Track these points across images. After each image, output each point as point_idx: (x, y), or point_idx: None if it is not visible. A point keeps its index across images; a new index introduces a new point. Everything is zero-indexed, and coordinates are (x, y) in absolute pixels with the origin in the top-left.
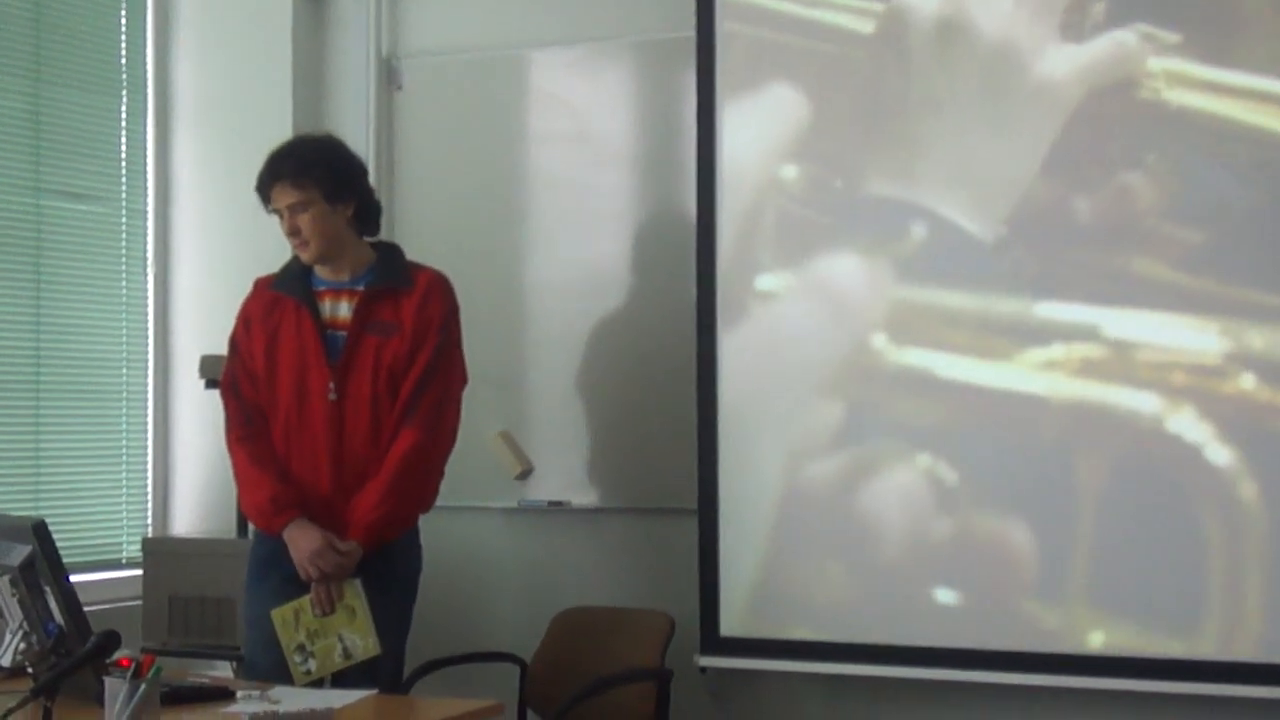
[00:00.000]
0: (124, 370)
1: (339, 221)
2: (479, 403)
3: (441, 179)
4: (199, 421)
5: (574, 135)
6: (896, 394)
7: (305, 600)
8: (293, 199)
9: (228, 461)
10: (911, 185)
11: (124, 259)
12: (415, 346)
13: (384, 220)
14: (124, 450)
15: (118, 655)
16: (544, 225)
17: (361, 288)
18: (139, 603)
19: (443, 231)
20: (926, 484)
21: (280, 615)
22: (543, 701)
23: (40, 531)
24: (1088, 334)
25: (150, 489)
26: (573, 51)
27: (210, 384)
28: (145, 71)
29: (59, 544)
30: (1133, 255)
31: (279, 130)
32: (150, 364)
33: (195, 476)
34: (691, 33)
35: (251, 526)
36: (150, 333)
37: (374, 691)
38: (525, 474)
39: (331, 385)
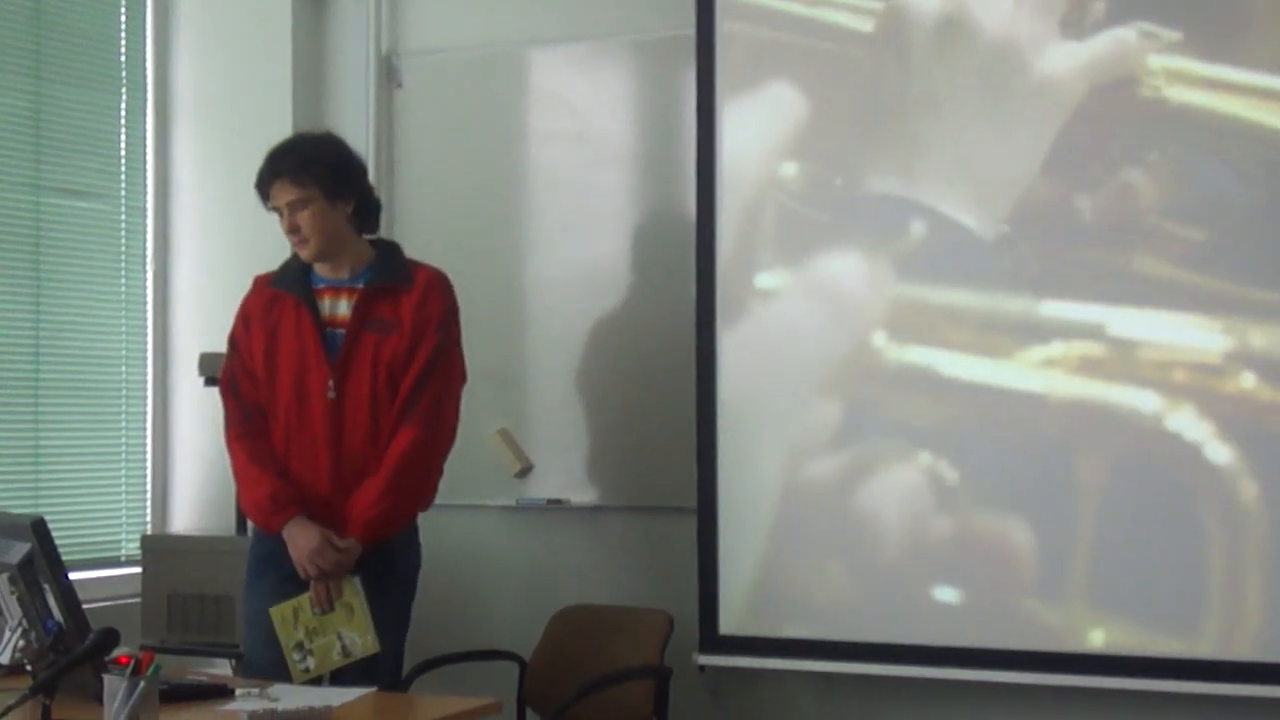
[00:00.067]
0: (123, 368)
1: (338, 219)
2: (478, 401)
3: (441, 177)
4: (198, 419)
5: (574, 133)
6: (896, 392)
7: (304, 598)
8: (292, 196)
9: (227, 459)
10: (911, 183)
11: (123, 256)
12: (414, 344)
13: (383, 218)
14: (123, 448)
15: (117, 653)
16: (543, 223)
17: (361, 285)
18: (138, 600)
19: (442, 229)
20: (926, 482)
21: (279, 613)
22: (542, 700)
23: (39, 529)
24: (1088, 332)
25: (149, 486)
26: (573, 50)
27: (209, 381)
28: (145, 69)
29: (58, 541)
30: (1134, 253)
31: (279, 128)
32: (149, 361)
33: (194, 474)
34: (691, 31)
35: (250, 524)
36: (149, 330)
37: (373, 689)
38: (524, 472)
39: (331, 383)
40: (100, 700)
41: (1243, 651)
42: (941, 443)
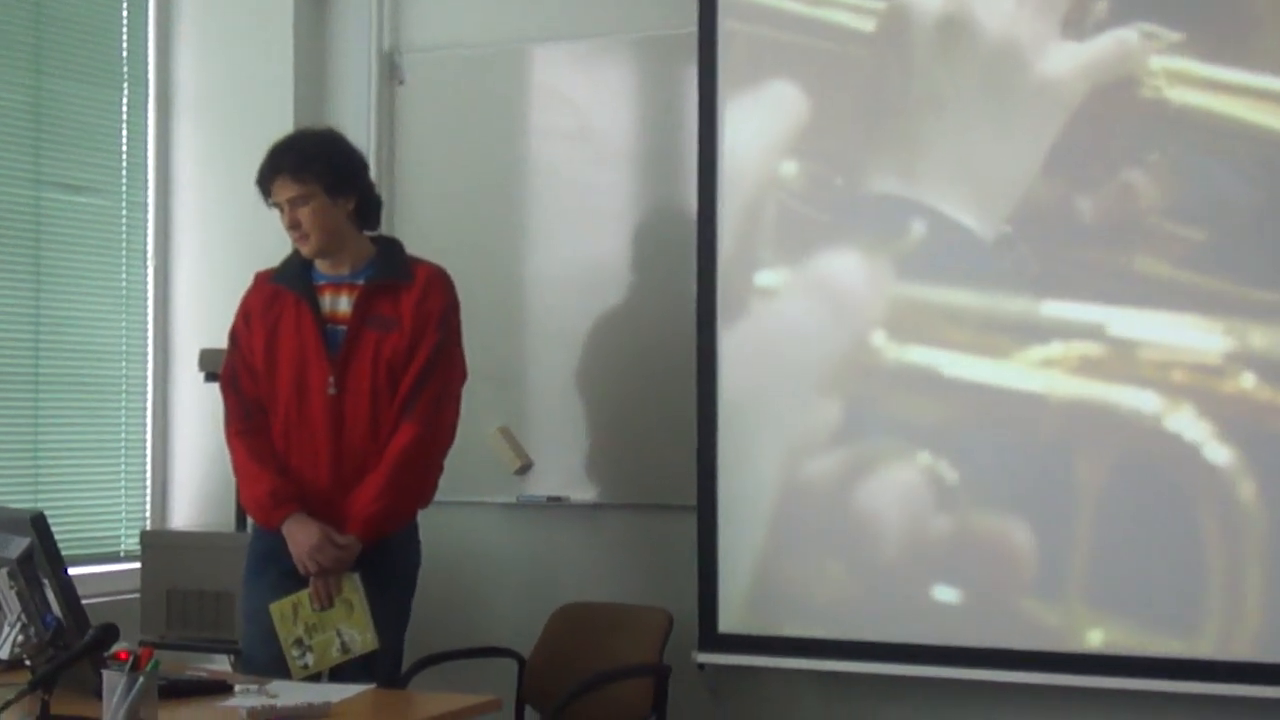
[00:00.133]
0: (123, 363)
1: (339, 215)
2: (478, 398)
3: (442, 174)
4: (198, 415)
5: (575, 131)
6: (896, 392)
7: (303, 594)
8: (293, 192)
9: (226, 455)
10: (912, 183)
11: (124, 252)
12: (415, 341)
13: (384, 215)
14: (123, 443)
15: (116, 648)
16: (544, 220)
17: (361, 282)
18: (137, 596)
19: (443, 226)
20: (925, 482)
21: (278, 609)
22: (541, 697)
23: (39, 524)
24: (1088, 332)
25: (149, 482)
26: (574, 47)
27: (209, 377)
28: (146, 64)
29: (57, 536)
30: (1134, 254)
31: (280, 124)
32: (150, 357)
33: (194, 470)
34: (693, 29)
35: (250, 520)
36: (150, 326)
37: (372, 686)
38: (524, 469)
39: (331, 380)
40: (99, 696)
41: (1241, 651)
42: (941, 442)
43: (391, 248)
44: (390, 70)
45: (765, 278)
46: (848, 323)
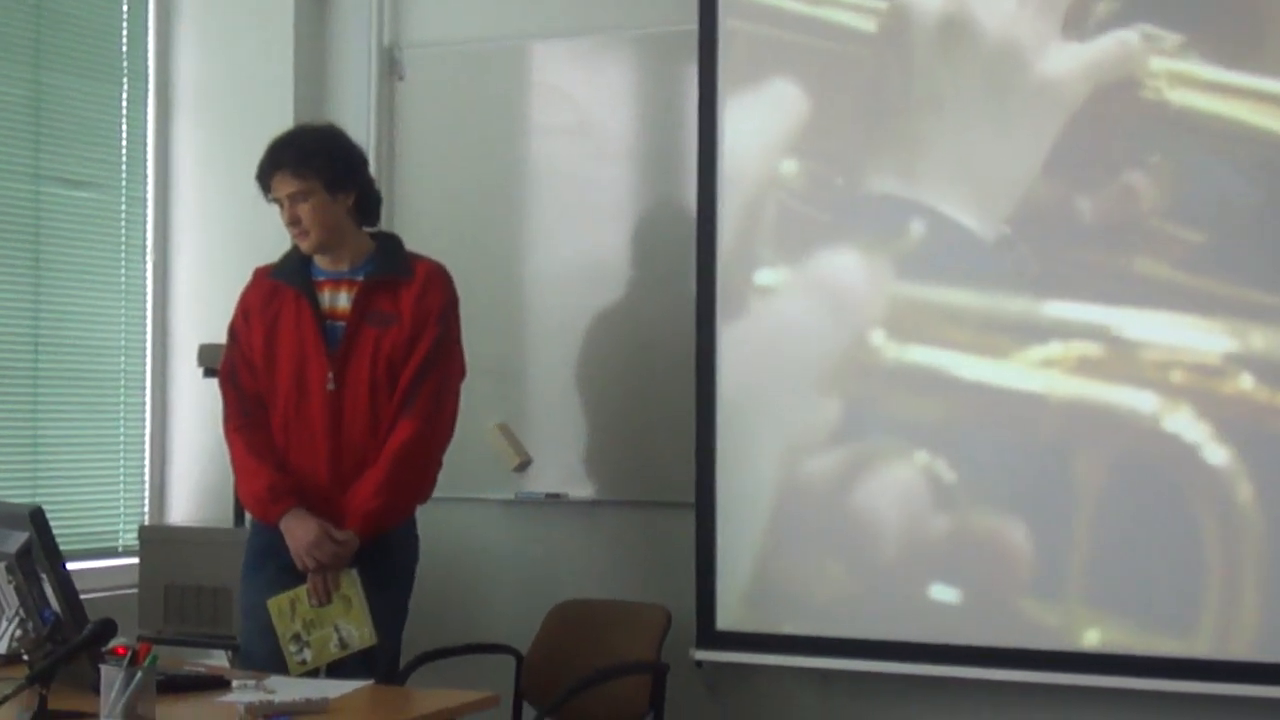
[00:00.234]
0: (122, 358)
1: (339, 211)
2: (477, 394)
3: (442, 170)
4: (197, 410)
5: (575, 128)
6: (895, 391)
7: (301, 590)
8: (293, 188)
9: (225, 450)
10: (912, 183)
11: (123, 246)
12: (414, 337)
13: (384, 211)
14: (121, 438)
15: (114, 643)
16: (544, 217)
17: (361, 278)
18: (135, 591)
19: (442, 223)
20: (924, 481)
21: (276, 605)
22: (538, 693)
23: (37, 518)
24: (1088, 333)
25: (147, 477)
26: (575, 44)
27: (208, 373)
28: (146, 59)
29: (56, 531)
30: (1134, 255)
31: (280, 119)
32: (148, 352)
33: (192, 465)
34: (694, 27)
35: (248, 516)
36: (149, 321)
37: (370, 682)
38: (523, 466)
39: (330, 375)
40: (97, 691)
41: (1238, 651)
42: (940, 441)
43: (391, 244)
44: (390, 66)
45: (765, 276)
46: (847, 322)
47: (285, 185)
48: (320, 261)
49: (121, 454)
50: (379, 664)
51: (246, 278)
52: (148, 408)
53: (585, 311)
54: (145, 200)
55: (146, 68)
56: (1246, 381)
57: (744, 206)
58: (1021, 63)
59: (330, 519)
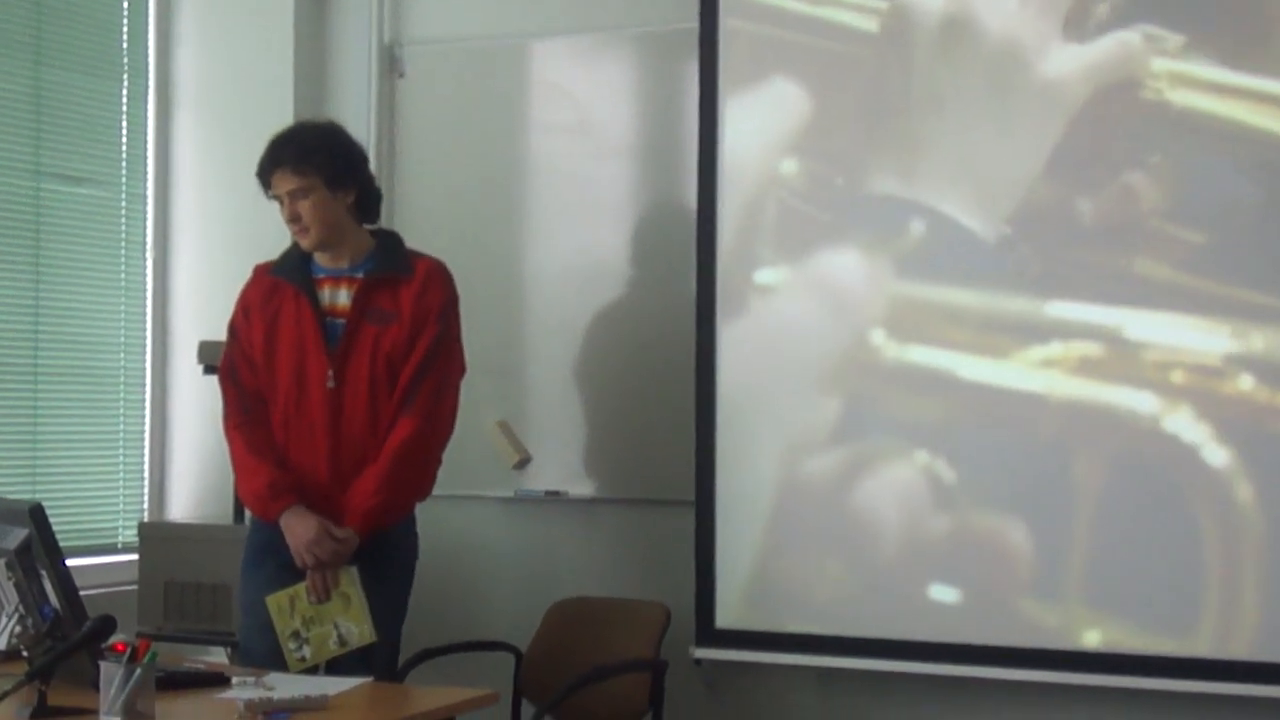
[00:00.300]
0: (122, 355)
1: (339, 208)
2: (477, 392)
3: (442, 167)
4: (196, 407)
5: (575, 126)
6: (895, 390)
7: (301, 587)
8: (293, 185)
9: (225, 447)
10: (913, 183)
11: (123, 243)
12: (414, 334)
13: (384, 208)
14: (121, 435)
15: (113, 640)
16: (544, 215)
17: (361, 275)
18: (135, 587)
19: (443, 220)
20: (924, 480)
21: (275, 601)
22: (538, 691)
23: (37, 515)
24: (1088, 333)
25: (147, 474)
26: (575, 42)
27: (208, 369)
28: (147, 56)
29: (55, 528)
30: (1135, 256)
31: (280, 116)
32: (148, 349)
33: (192, 462)
34: (694, 25)
35: (248, 513)
36: (149, 317)
37: (369, 679)
38: (523, 463)
39: (330, 373)
40: (96, 687)
41: (1238, 651)
42: (940, 441)
43: (391, 241)
44: (391, 63)
45: (765, 275)
46: (847, 321)
47: (286, 182)
48: (320, 259)
49: (121, 450)
50: (378, 661)
51: (246, 274)
52: (147, 404)
53: (585, 309)
54: (145, 197)
55: (147, 64)
56: (1246, 382)
57: (744, 205)
58: (1023, 63)
59: (330, 516)
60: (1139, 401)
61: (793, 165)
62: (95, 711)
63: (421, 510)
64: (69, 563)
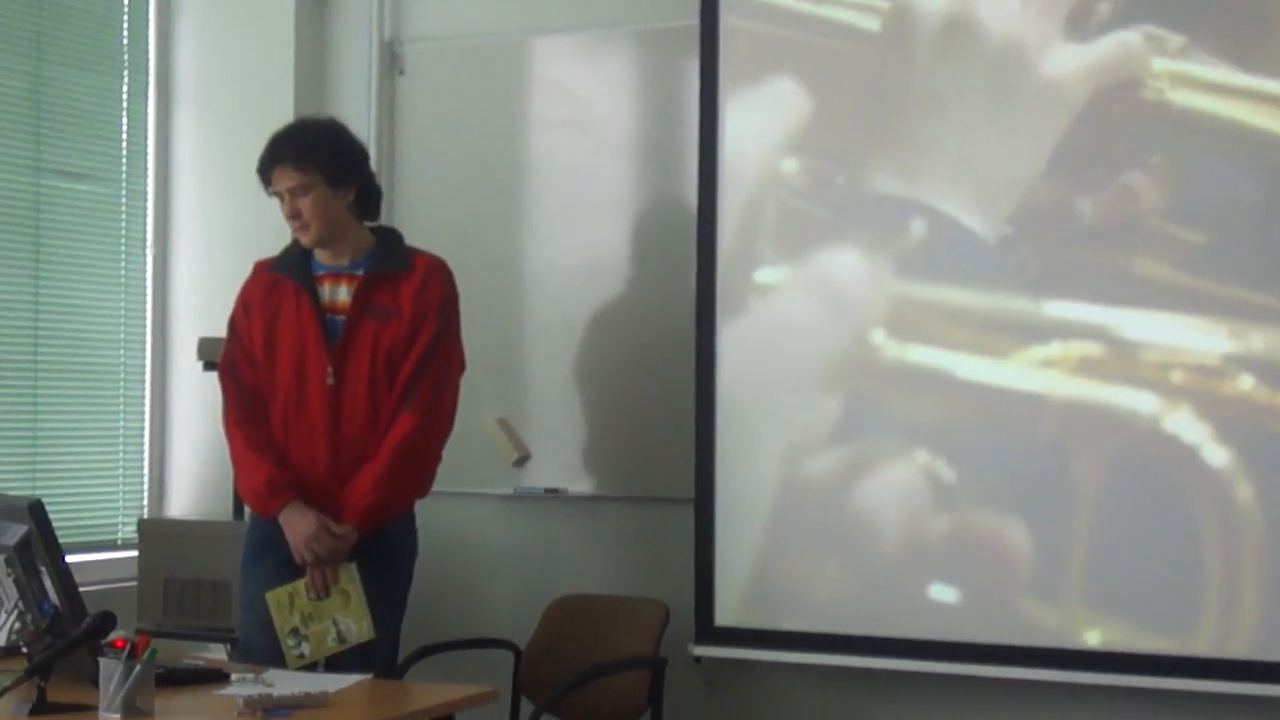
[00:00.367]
0: (122, 351)
1: (340, 205)
2: (477, 389)
3: (442, 165)
4: (196, 403)
5: (575, 123)
6: (895, 390)
7: (300, 583)
8: (294, 182)
9: (224, 444)
10: (914, 182)
11: (123, 240)
12: (414, 331)
13: (384, 205)
14: (121, 431)
15: (113, 636)
16: (544, 213)
17: (361, 272)
18: (134, 584)
19: (443, 217)
20: (924, 480)
21: (275, 598)
22: (537, 688)
23: (37, 511)
24: (1088, 333)
25: (146, 470)
26: (575, 39)
27: (208, 366)
28: (147, 52)
29: (55, 524)
30: (1135, 256)
31: (280, 113)
32: (148, 345)
33: (192, 458)
34: (695, 21)
35: (247, 509)
36: (148, 314)
37: (368, 676)
38: (522, 461)
39: (330, 369)
40: (96, 683)
41: (1239, 651)
42: (940, 441)
43: (391, 238)
44: (391, 60)
45: (765, 274)
46: (847, 321)
47: (286, 179)
48: (320, 256)
49: (121, 447)
50: (377, 658)
51: (246, 271)
52: (147, 401)
53: (585, 307)
54: (145, 193)
55: (147, 61)
56: (1246, 382)
57: (744, 204)
58: (1024, 63)
59: (329, 513)
60: (1139, 401)
61: (793, 164)
62: (95, 708)
63: (421, 507)
64: (68, 559)
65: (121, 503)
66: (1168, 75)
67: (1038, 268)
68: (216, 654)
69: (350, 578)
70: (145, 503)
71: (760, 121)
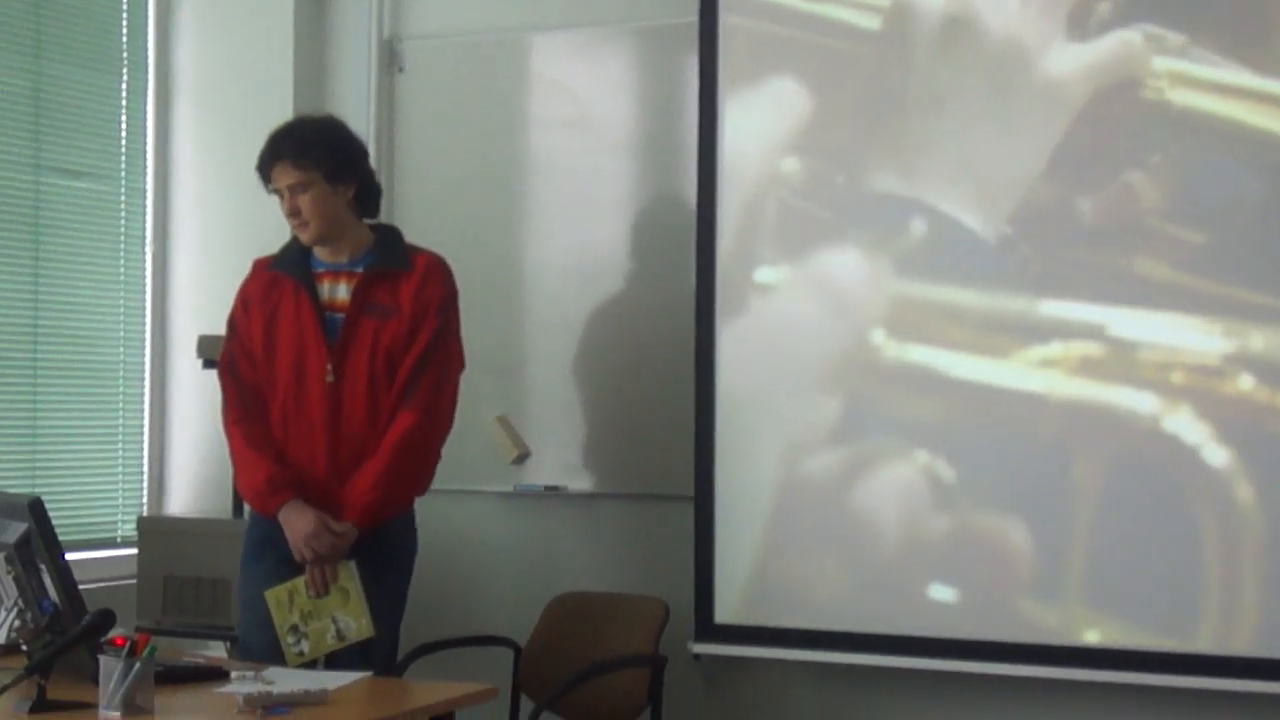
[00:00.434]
0: (121, 349)
1: (339, 203)
2: (476, 387)
3: (442, 162)
4: (196, 401)
5: (575, 120)
6: (894, 389)
7: (299, 581)
8: (293, 179)
9: (224, 441)
10: (914, 182)
11: (123, 237)
12: (413, 329)
13: (383, 203)
14: (120, 429)
15: (112, 634)
16: (544, 210)
17: (360, 270)
18: (134, 582)
19: (442, 215)
20: (923, 480)
21: (274, 596)
22: (537, 686)
23: (36, 509)
24: (1088, 333)
25: (146, 468)
26: (575, 36)
27: (208, 364)
28: (146, 50)
29: (55, 522)
30: (1135, 255)
31: (280, 110)
32: (148, 343)
33: (191, 456)
34: (694, 19)
35: (247, 507)
36: (148, 312)
37: (368, 674)
38: (522, 458)
39: (329, 367)
40: (95, 681)
41: (1238, 649)
42: (939, 440)
43: (390, 236)
44: (390, 58)
45: (765, 274)
46: (847, 320)
47: (285, 176)
48: (320, 253)
49: (120, 445)
50: (377, 656)
51: (246, 269)
52: (147, 399)
53: (585, 305)
54: (145, 191)
55: (146, 59)
56: (1246, 382)
57: (744, 204)
58: (1024, 62)
59: (329, 510)
60: (1139, 401)
61: (793, 163)
62: (94, 705)
63: (420, 505)
64: (68, 557)
65: (121, 500)
66: (1168, 75)
67: (1038, 268)
68: (216, 652)
69: (350, 575)
70: (145, 500)
71: (760, 120)
